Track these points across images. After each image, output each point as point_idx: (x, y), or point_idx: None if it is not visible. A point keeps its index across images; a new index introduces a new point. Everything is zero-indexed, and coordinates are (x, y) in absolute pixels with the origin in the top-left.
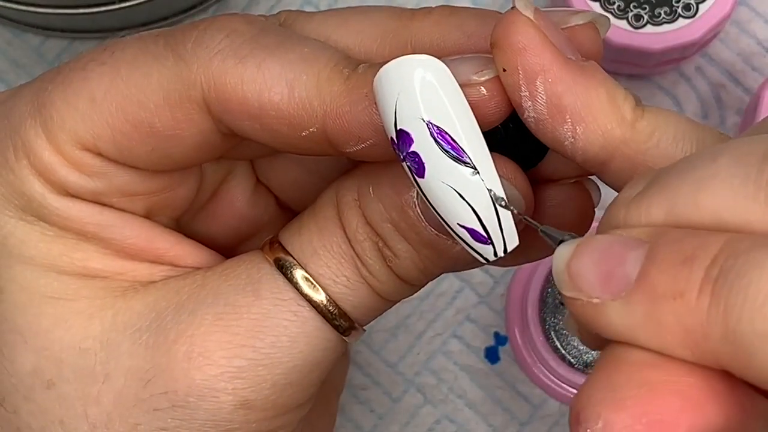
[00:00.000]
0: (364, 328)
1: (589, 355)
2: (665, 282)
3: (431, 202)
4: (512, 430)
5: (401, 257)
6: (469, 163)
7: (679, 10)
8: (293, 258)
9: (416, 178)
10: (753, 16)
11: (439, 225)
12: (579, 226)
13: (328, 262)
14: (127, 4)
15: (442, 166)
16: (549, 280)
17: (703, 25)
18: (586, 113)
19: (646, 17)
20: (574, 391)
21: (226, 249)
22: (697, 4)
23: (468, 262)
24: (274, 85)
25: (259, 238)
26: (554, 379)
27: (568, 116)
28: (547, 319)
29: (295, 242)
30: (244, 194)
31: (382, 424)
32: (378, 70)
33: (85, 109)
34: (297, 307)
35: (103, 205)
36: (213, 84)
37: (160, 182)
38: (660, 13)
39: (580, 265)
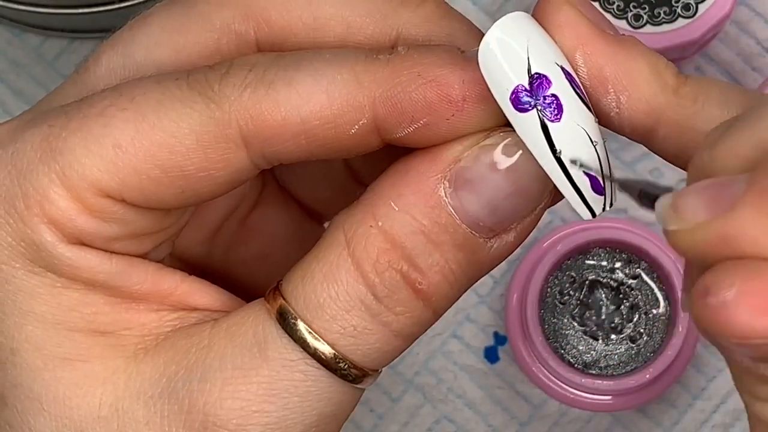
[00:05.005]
0: (379, 370)
1: (588, 356)
2: None
3: (560, 150)
4: (512, 430)
5: (431, 274)
6: (591, 108)
7: (679, 10)
8: (296, 313)
9: (549, 123)
10: (753, 16)
11: (474, 222)
12: None
13: (334, 315)
14: (127, 4)
15: (575, 109)
16: (548, 280)
17: (702, 25)
18: (628, 82)
19: (645, 17)
20: (574, 391)
21: (270, 276)
22: (697, 4)
23: (491, 266)
24: (311, 95)
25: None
26: (554, 379)
27: (610, 87)
28: (547, 319)
29: (299, 294)
30: (275, 212)
31: (382, 424)
32: (424, 50)
33: (111, 156)
34: (305, 367)
35: (113, 252)
36: (250, 117)
37: (173, 217)
38: (659, 13)
39: (685, 197)
